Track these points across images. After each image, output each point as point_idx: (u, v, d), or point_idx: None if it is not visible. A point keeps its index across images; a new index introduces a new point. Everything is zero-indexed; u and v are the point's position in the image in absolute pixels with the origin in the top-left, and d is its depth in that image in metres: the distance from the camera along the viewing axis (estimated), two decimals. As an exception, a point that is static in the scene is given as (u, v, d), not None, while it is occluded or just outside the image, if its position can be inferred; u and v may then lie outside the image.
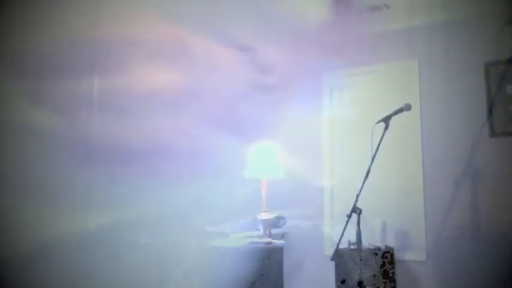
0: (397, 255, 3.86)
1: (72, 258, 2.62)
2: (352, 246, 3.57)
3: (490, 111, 3.67)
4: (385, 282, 3.66)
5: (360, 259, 2.83)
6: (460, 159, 3.74)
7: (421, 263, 3.85)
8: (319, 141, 4.39)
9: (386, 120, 2.84)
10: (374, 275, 3.56)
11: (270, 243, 3.21)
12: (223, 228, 3.64)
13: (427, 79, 3.97)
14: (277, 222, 3.87)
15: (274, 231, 3.65)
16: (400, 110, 2.86)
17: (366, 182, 2.78)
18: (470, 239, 3.66)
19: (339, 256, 3.05)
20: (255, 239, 3.23)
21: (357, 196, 2.79)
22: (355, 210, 2.77)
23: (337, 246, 2.96)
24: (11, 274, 2.18)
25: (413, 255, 3.88)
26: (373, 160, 2.77)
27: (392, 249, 3.82)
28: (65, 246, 2.56)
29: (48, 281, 2.31)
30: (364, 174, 2.79)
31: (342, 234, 2.91)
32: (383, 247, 3.76)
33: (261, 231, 3.23)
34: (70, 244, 2.58)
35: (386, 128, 2.82)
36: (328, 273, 3.60)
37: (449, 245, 3.75)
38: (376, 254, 3.70)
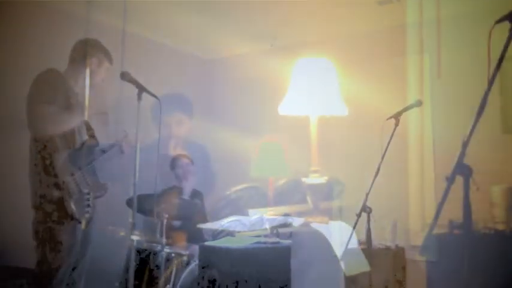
0: (408, 255, 3.79)
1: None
2: (361, 246, 3.51)
3: (503, 107, 3.59)
4: (395, 282, 3.59)
5: (370, 259, 2.78)
6: (472, 156, 3.65)
7: (432, 263, 3.78)
8: (324, 138, 4.32)
9: (396, 116, 2.77)
10: (384, 275, 3.51)
11: (277, 242, 3.13)
12: (228, 226, 3.57)
13: (437, 74, 3.90)
14: (284, 221, 3.80)
15: (281, 230, 3.57)
16: (411, 106, 2.80)
17: (375, 180, 2.72)
18: (482, 239, 3.58)
19: (348, 256, 2.99)
20: (262, 239, 3.16)
21: (367, 195, 2.72)
22: (365, 209, 2.70)
23: (346, 245, 2.90)
24: None
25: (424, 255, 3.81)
26: (383, 158, 2.70)
27: (402, 249, 3.76)
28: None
29: None
30: (373, 172, 2.72)
31: (352, 234, 2.86)
32: (393, 247, 3.69)
33: (268, 230, 3.17)
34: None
35: (396, 124, 2.75)
36: (337, 274, 3.54)
37: (461, 245, 3.66)
38: (386, 253, 3.63)
